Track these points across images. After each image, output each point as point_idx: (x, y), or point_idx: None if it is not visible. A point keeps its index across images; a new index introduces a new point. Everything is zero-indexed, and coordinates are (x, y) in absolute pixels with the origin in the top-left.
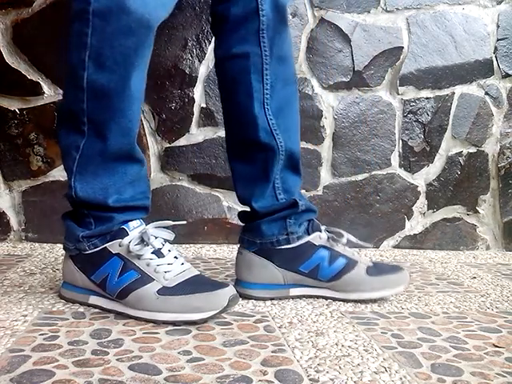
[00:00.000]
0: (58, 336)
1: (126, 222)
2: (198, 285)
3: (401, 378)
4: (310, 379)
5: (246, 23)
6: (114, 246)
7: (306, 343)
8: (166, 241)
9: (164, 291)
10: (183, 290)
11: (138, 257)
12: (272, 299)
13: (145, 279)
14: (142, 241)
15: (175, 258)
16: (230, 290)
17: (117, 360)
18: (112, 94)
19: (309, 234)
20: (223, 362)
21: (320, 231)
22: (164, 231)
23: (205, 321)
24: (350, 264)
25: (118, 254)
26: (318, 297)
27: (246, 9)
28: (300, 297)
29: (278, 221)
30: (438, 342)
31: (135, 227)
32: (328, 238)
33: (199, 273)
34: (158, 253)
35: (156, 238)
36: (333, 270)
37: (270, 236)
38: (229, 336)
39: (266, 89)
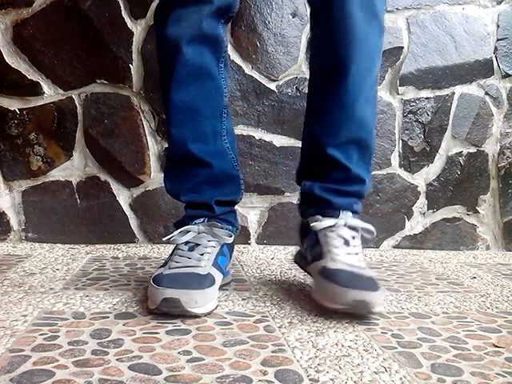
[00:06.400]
0: (58, 336)
1: (191, 218)
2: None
3: (401, 378)
4: (310, 379)
5: None
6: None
7: (306, 343)
8: None
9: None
10: None
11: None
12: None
13: None
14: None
15: None
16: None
17: (117, 360)
18: (165, 107)
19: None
20: (223, 362)
21: (325, 217)
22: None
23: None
24: (319, 256)
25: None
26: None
27: None
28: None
29: (302, 200)
30: (438, 342)
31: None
32: (326, 226)
33: None
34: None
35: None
36: (311, 255)
37: (299, 209)
38: (229, 336)
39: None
